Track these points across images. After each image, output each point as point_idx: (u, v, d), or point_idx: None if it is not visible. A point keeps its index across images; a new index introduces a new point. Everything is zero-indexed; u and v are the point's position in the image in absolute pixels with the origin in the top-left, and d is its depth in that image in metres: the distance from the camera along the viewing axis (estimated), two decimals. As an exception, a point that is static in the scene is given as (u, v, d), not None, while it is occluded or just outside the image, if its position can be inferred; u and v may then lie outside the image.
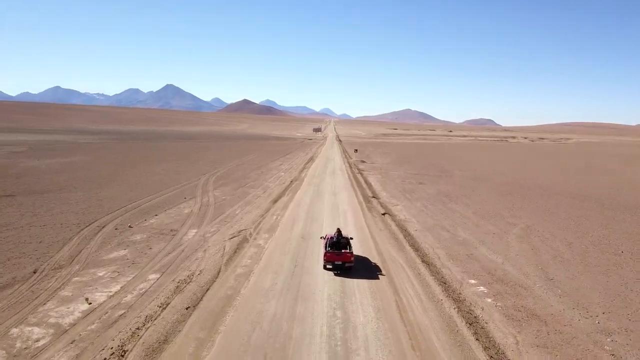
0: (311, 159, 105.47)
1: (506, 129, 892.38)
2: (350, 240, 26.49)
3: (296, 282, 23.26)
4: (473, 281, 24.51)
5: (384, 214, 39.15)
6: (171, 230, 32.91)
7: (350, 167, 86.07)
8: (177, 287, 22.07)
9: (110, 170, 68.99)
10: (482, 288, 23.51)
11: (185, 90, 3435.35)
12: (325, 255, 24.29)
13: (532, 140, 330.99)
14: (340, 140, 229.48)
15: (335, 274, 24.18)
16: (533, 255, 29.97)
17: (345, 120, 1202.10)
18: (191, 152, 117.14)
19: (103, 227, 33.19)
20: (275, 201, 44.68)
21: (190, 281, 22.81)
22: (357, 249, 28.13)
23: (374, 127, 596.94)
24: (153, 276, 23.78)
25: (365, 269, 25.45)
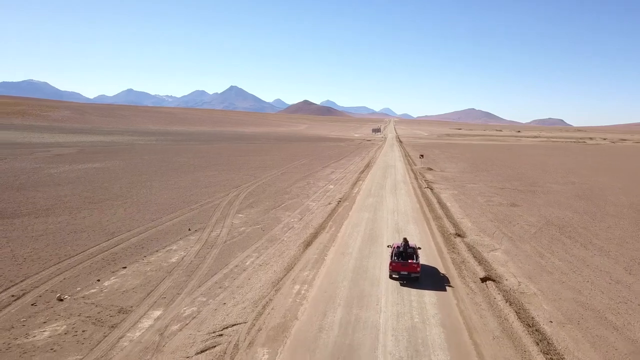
0: (368, 166, 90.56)
1: (579, 129, 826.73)
2: (418, 250, 25.75)
3: None
4: None
5: (484, 280, 23.51)
6: (118, 311, 19.43)
7: (416, 178, 70.34)
8: None
9: (130, 181, 58.48)
10: None
11: (248, 92, 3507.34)
12: (390, 264, 23.83)
13: (613, 142, 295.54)
14: (400, 142, 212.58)
15: (401, 284, 23.32)
16: None
17: (406, 120, 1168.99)
18: (239, 155, 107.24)
19: (18, 299, 20.45)
20: (308, 244, 30.19)
21: None
22: None
23: (436, 127, 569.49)
24: None
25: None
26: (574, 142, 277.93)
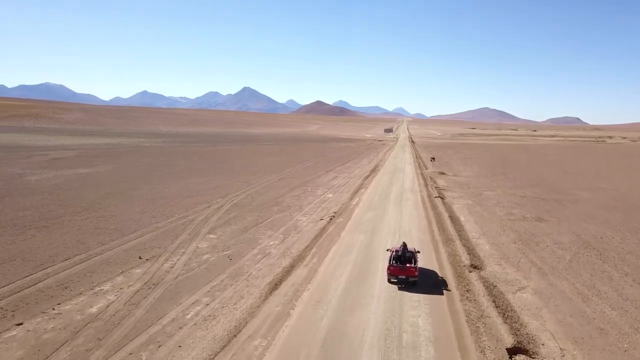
0: (374, 170, 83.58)
1: (596, 128, 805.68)
2: (417, 254, 25.97)
3: None
4: None
5: (513, 353, 16.25)
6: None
7: (426, 185, 63.15)
8: None
9: (110, 190, 53.01)
10: None
11: (261, 93, 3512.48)
12: (388, 268, 23.83)
13: (634, 141, 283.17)
14: (413, 142, 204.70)
15: (399, 289, 23.04)
16: None
17: (419, 120, 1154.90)
18: (241, 158, 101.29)
19: None
20: (276, 285, 23.16)
21: None
22: None
23: (450, 126, 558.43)
24: None
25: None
26: (593, 141, 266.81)
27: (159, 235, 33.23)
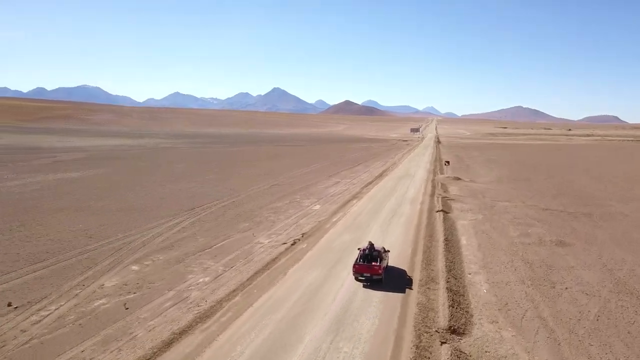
0: (381, 175, 75.68)
1: (636, 127, 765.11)
2: (386, 253, 26.13)
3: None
4: None
5: None
6: None
7: (433, 195, 54.83)
8: None
9: (80, 198, 48.45)
10: None
11: (291, 93, 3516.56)
12: (354, 267, 24.17)
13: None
14: (438, 142, 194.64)
15: (364, 286, 23.31)
16: None
17: (450, 119, 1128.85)
18: (249, 160, 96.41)
19: None
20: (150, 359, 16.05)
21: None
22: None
23: (481, 125, 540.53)
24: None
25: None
26: (633, 141, 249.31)
27: (70, 265, 26.61)
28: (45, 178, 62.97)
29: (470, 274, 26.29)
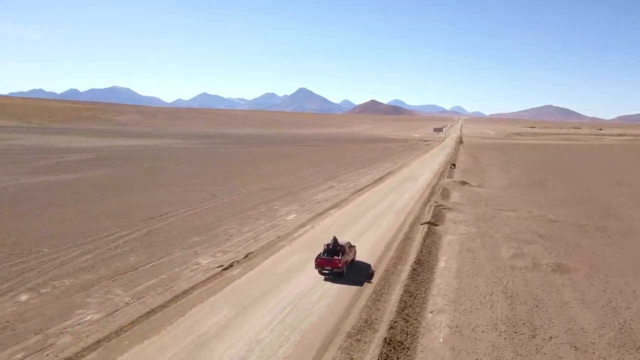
0: (382, 178, 70.40)
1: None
2: (351, 248, 27.20)
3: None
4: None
5: None
6: None
7: (427, 202, 49.06)
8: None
9: (46, 204, 44.40)
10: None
11: (316, 93, 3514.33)
12: (315, 260, 25.21)
13: None
14: (460, 143, 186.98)
15: (325, 279, 24.19)
16: None
17: (477, 119, 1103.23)
18: (253, 162, 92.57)
19: None
20: None
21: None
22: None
23: (508, 125, 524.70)
24: None
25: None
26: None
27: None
28: (30, 180, 60.09)
29: (432, 312, 20.86)
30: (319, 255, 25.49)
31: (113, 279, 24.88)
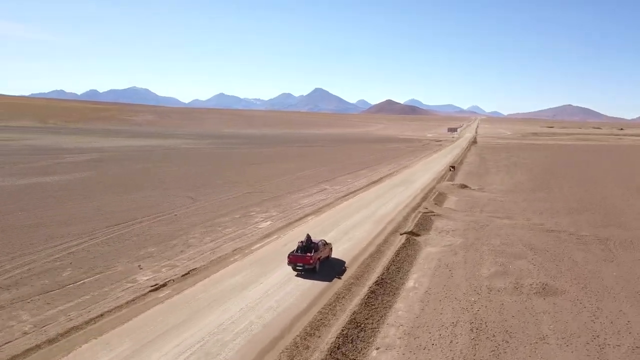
0: (379, 181, 67.17)
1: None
2: (326, 245, 28.14)
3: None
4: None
5: None
6: None
7: (415, 209, 45.41)
8: None
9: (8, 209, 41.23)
10: None
11: (332, 93, 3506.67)
12: (288, 257, 25.92)
13: None
14: (473, 143, 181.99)
15: (296, 275, 24.91)
16: None
17: (494, 118, 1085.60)
18: (251, 164, 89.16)
19: None
20: None
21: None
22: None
23: (526, 125, 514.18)
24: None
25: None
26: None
27: None
28: (13, 183, 58.16)
29: (378, 348, 17.44)
30: (292, 252, 26.14)
31: (29, 300, 22.01)
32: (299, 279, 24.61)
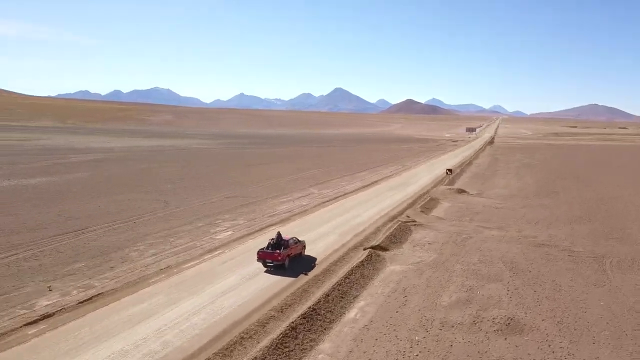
0: (373, 184, 63.51)
1: None
2: (297, 243, 28.25)
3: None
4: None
5: None
6: None
7: (397, 216, 41.32)
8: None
9: None
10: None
11: (352, 93, 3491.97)
12: (258, 254, 26.18)
13: None
14: (490, 143, 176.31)
15: (265, 271, 25.39)
16: None
17: (516, 118, 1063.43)
18: (251, 165, 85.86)
19: None
20: None
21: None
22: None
23: (547, 125, 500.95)
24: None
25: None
26: None
27: None
28: (1, 184, 56.24)
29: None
30: (262, 249, 26.44)
31: None
32: (208, 309, 20.59)
